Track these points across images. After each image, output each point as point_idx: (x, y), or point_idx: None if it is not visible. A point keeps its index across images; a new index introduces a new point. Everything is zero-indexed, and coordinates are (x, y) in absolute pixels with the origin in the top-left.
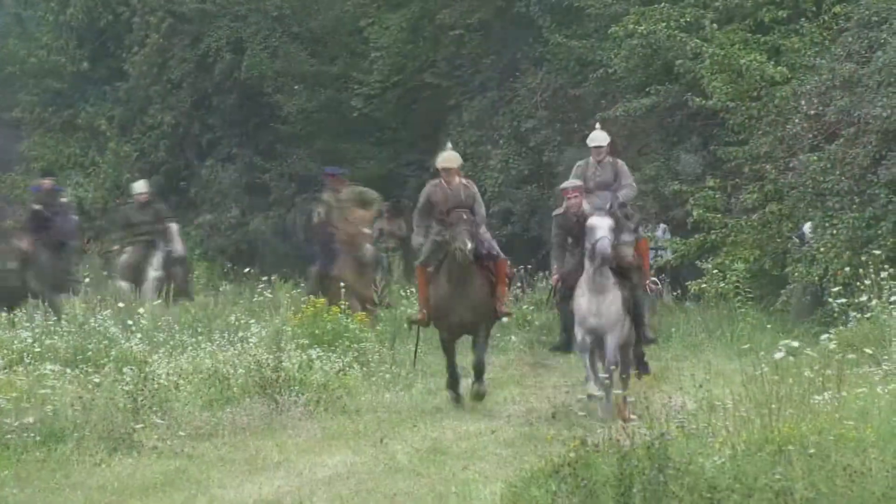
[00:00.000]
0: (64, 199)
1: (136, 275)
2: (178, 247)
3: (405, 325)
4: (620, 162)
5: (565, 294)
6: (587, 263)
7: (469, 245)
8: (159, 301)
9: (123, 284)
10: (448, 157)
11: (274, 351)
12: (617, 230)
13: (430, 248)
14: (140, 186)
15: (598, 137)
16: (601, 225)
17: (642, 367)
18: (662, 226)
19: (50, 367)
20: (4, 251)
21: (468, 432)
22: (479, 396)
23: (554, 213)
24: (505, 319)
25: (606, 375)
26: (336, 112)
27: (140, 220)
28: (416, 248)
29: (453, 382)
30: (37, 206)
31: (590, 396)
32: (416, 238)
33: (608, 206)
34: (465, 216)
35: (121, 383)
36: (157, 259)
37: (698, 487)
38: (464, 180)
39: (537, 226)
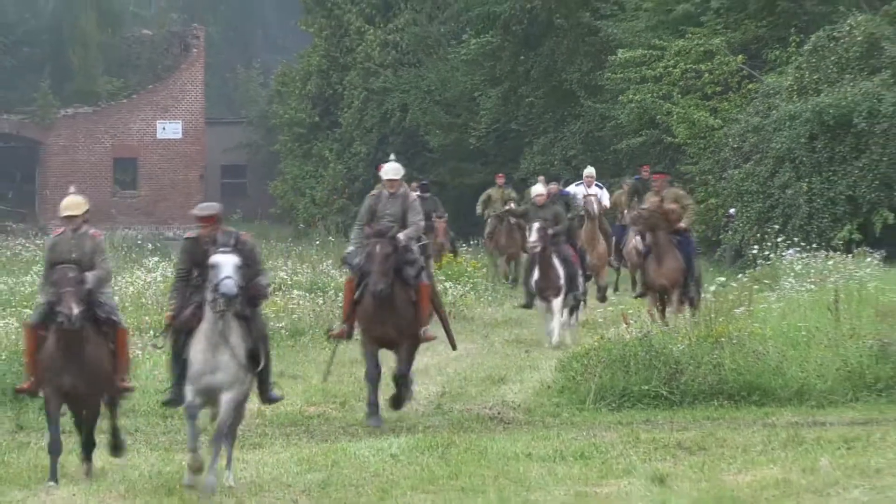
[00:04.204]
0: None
1: None
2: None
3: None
4: (413, 196)
5: (178, 338)
6: (208, 309)
7: (75, 311)
8: None
9: None
10: (70, 203)
11: None
12: (250, 270)
13: (42, 308)
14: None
15: (393, 170)
16: (225, 262)
17: (405, 387)
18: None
19: (296, 291)
20: None
21: (540, 331)
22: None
23: (186, 234)
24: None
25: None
26: (460, 146)
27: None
28: (36, 308)
29: (54, 448)
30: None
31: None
32: (42, 295)
33: (232, 241)
34: (70, 274)
35: (336, 301)
36: None
37: (668, 362)
38: (91, 229)
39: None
